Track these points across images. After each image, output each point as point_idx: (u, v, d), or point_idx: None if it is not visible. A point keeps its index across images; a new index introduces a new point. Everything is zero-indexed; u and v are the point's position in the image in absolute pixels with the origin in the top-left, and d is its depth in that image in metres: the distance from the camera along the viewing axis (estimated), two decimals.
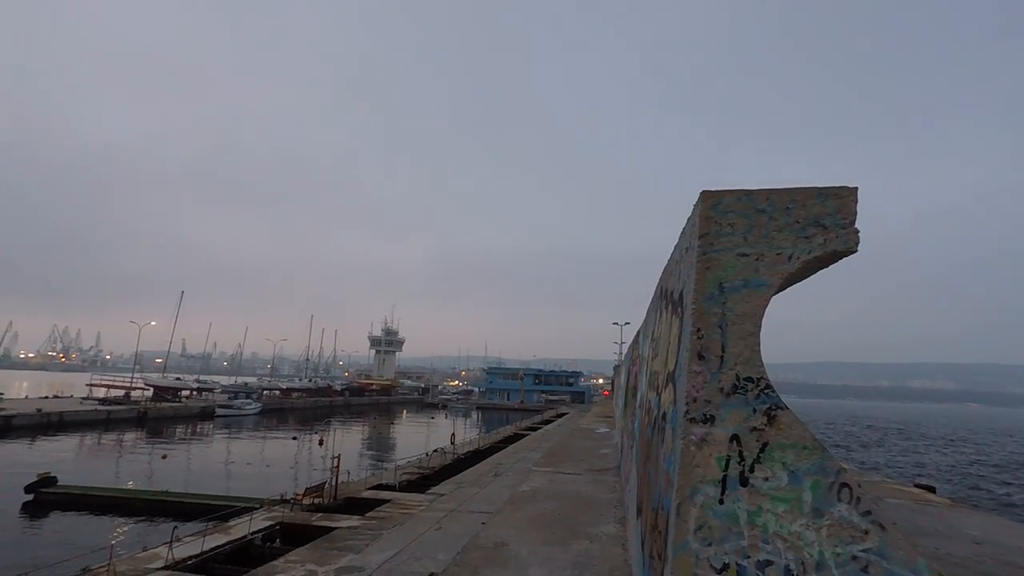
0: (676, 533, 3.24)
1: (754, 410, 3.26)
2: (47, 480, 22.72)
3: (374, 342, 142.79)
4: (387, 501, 18.11)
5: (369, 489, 20.33)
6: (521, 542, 12.32)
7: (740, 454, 3.22)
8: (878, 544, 2.93)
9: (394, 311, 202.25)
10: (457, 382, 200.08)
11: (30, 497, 22.00)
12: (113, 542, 14.57)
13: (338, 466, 18.93)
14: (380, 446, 48.95)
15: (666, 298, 5.19)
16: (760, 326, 3.39)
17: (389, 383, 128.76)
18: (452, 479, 22.67)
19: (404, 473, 23.47)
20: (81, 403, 57.20)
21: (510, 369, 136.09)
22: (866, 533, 2.95)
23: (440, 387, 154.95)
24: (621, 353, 70.96)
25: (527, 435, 44.26)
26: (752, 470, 3.18)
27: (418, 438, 54.03)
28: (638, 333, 11.92)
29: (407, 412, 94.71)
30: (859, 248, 3.38)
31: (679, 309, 4.14)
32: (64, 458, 33.13)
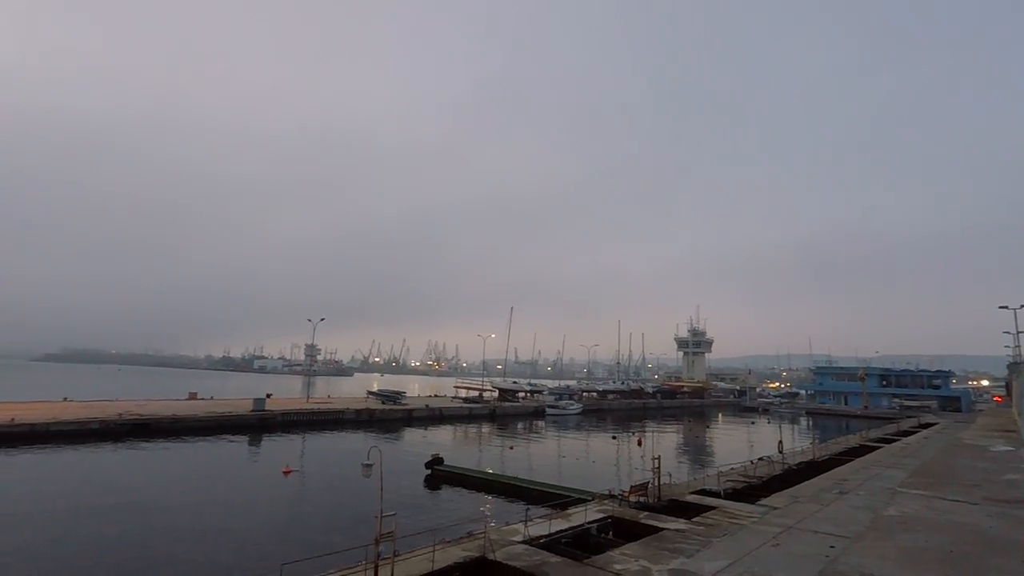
0: None
1: None
2: (438, 460, 29.53)
3: (681, 343, 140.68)
4: (713, 508, 17.44)
5: (692, 493, 19.93)
6: None
7: None
8: None
9: (699, 311, 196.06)
10: (778, 384, 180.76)
11: (428, 472, 28.90)
12: (484, 515, 17.91)
13: (659, 467, 19.14)
14: (697, 450, 47.62)
15: None
16: None
17: (700, 385, 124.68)
18: (784, 492, 20.47)
19: (728, 480, 22.22)
20: (451, 401, 72.66)
21: (845, 368, 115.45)
22: None
23: (758, 389, 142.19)
24: (1021, 347, 52.98)
25: (878, 447, 36.88)
26: None
27: (737, 444, 50.56)
28: None
29: (722, 416, 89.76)
30: None
31: None
32: (445, 443, 42.50)
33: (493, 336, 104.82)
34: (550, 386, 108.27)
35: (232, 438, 39.01)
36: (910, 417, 71.76)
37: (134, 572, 14.30)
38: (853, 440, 41.81)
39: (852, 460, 30.29)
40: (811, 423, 78.47)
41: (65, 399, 52.31)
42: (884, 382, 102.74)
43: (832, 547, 12.60)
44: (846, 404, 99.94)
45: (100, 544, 16.35)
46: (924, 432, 50.20)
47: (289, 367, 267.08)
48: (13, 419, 34.67)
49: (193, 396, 60.34)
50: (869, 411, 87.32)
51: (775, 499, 18.89)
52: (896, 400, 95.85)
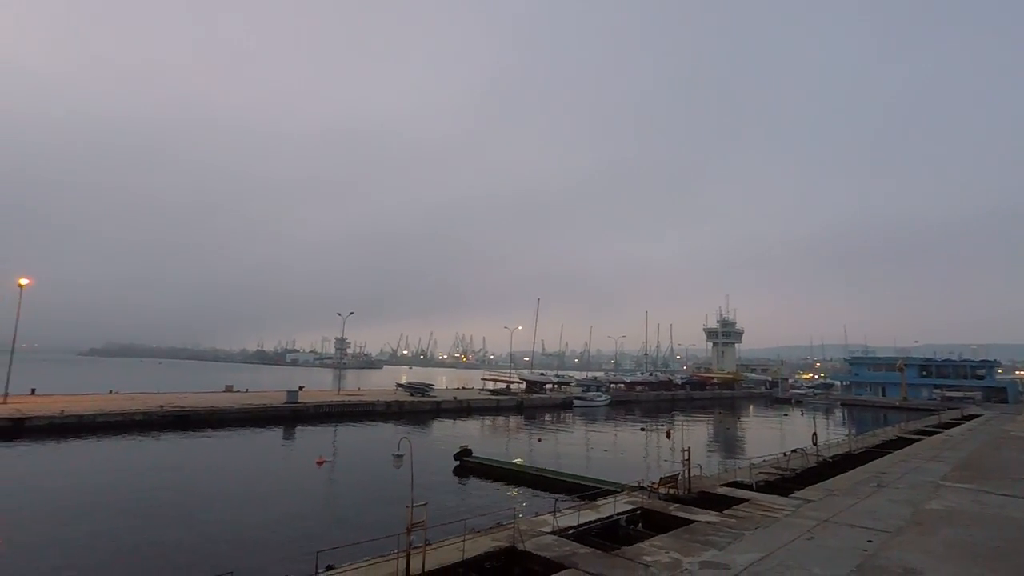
0: None
1: None
2: (466, 451, 29.78)
3: (710, 334, 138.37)
4: (744, 500, 17.19)
5: (723, 486, 19.67)
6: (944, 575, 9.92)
7: None
8: None
9: (728, 301, 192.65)
10: (811, 374, 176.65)
11: (457, 463, 29.19)
12: (513, 505, 18.03)
13: (689, 459, 18.94)
14: (727, 442, 46.95)
15: None
16: None
17: (731, 376, 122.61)
18: (819, 485, 20.06)
19: (760, 473, 21.86)
20: (479, 393, 73.15)
21: (883, 359, 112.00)
22: None
23: (791, 380, 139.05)
24: None
25: (918, 440, 35.78)
26: None
27: (769, 436, 49.65)
28: None
29: (753, 407, 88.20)
30: None
31: None
32: (474, 435, 42.84)
33: (520, 328, 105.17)
34: (577, 378, 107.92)
35: (267, 429, 40.10)
36: (952, 409, 69.35)
37: (174, 556, 14.86)
38: (891, 432, 40.64)
39: (890, 453, 29.46)
40: (847, 415, 76.52)
41: (110, 392, 54.51)
42: (924, 372, 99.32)
43: (870, 541, 12.28)
44: (884, 395, 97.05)
45: (144, 531, 17.02)
46: (967, 424, 48.47)
47: (320, 360, 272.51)
48: (63, 411, 36.30)
49: (229, 389, 62.16)
50: (908, 402, 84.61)
51: (809, 492, 18.51)
52: (937, 391, 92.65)
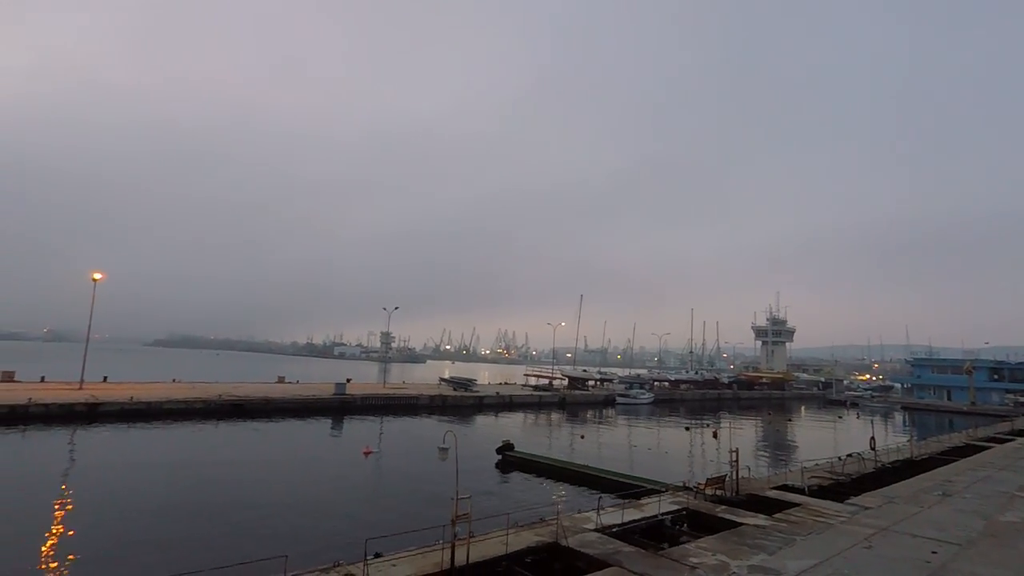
0: None
1: None
2: (508, 446, 29.98)
3: (759, 333, 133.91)
4: (796, 505, 16.60)
5: (773, 489, 19.05)
6: None
7: None
8: None
9: (779, 298, 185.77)
10: (868, 376, 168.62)
11: (499, 457, 29.41)
12: (556, 501, 18.02)
13: (737, 460, 18.44)
14: (777, 444, 45.39)
15: None
16: None
17: (781, 376, 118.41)
18: (877, 491, 19.17)
19: (813, 476, 21.06)
20: (521, 389, 73.36)
21: (948, 361, 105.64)
22: None
23: (846, 382, 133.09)
24: None
25: (989, 447, 33.66)
26: None
27: (822, 439, 47.69)
28: None
29: (805, 409, 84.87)
30: None
31: None
32: (515, 430, 43.03)
33: (563, 324, 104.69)
34: (620, 375, 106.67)
35: (317, 419, 41.50)
36: None
37: (232, 538, 15.62)
38: (957, 439, 38.34)
39: (957, 460, 27.82)
40: (907, 419, 72.60)
41: (173, 380, 57.67)
42: (995, 376, 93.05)
43: (935, 552, 11.64)
44: (949, 399, 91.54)
45: (204, 513, 17.98)
46: None
47: (366, 354, 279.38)
48: (132, 398, 38.69)
49: (281, 380, 64.63)
50: (977, 407, 79.49)
51: (866, 499, 17.71)
52: (1010, 396, 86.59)
